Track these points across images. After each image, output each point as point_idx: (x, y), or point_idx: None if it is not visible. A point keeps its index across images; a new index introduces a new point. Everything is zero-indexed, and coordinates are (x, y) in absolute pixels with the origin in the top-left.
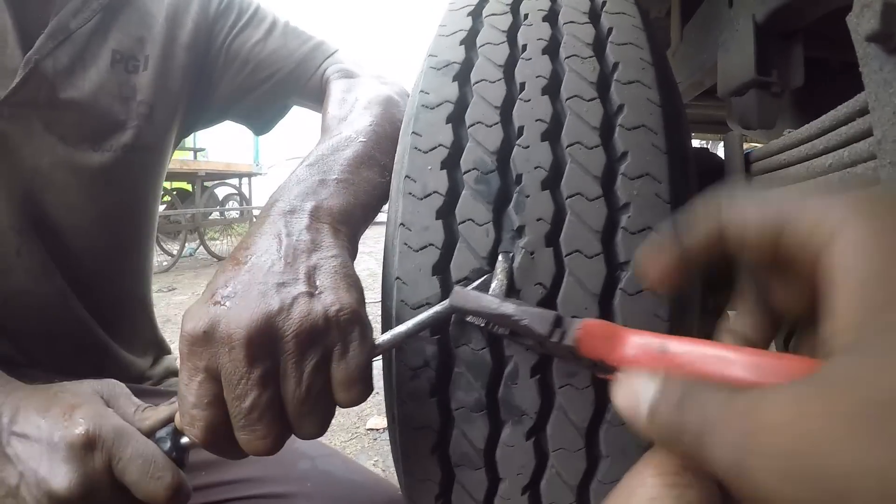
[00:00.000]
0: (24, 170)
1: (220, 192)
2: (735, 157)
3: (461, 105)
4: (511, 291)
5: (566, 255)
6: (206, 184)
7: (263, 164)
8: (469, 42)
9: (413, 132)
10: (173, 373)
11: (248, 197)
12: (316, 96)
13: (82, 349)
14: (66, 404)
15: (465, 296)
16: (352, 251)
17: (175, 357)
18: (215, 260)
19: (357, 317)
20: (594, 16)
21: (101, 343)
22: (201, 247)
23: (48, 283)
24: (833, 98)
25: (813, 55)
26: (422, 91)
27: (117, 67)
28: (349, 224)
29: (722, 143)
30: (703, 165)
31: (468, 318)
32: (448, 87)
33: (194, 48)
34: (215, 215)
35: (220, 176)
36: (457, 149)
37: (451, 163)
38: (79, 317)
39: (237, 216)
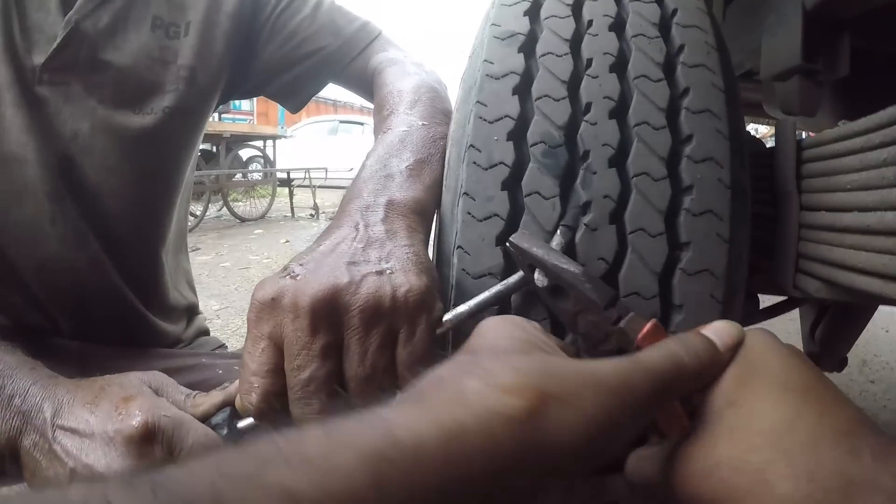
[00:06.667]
0: (64, 135)
1: (245, 153)
2: (787, 144)
3: (527, 77)
4: None
5: (630, 233)
6: (230, 145)
7: (288, 126)
8: (533, 14)
9: (478, 101)
10: (204, 332)
11: (272, 159)
12: (358, 78)
13: (115, 318)
14: (116, 397)
15: (532, 240)
16: (426, 239)
17: (205, 317)
18: (238, 221)
19: (425, 300)
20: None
21: (135, 311)
22: (224, 208)
23: (82, 250)
24: (876, 92)
25: (858, 46)
26: (486, 60)
27: (158, 32)
28: (422, 213)
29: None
30: (751, 149)
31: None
32: (513, 57)
33: (239, 16)
34: (239, 177)
35: (245, 138)
36: (523, 121)
37: (517, 134)
38: (112, 284)
39: (260, 178)
